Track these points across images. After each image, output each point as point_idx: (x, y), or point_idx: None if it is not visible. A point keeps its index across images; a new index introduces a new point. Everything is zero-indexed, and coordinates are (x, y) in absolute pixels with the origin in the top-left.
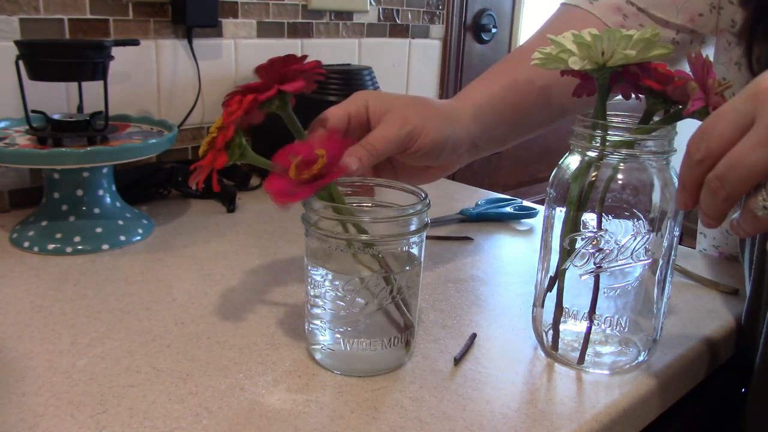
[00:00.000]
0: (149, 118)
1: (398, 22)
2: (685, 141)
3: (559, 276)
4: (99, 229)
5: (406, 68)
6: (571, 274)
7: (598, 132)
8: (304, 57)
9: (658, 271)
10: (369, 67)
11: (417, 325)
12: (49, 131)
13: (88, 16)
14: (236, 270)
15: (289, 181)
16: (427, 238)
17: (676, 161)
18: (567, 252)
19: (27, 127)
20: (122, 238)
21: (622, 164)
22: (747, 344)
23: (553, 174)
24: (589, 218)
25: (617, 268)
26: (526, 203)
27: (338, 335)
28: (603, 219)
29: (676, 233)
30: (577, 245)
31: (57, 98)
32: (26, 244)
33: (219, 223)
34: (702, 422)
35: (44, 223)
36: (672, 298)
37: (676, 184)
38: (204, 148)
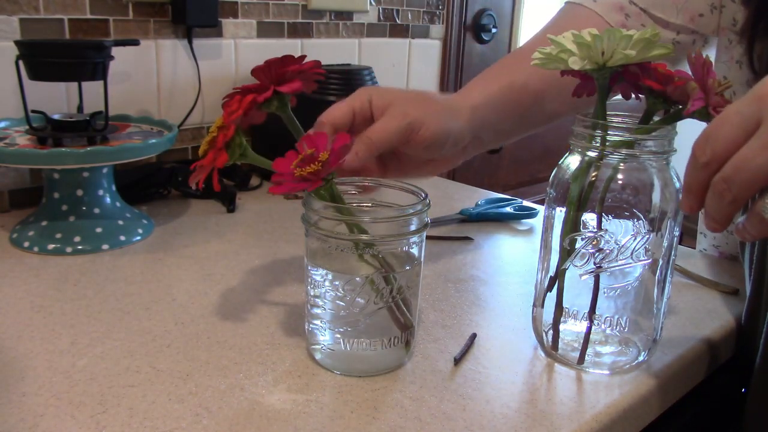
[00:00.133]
0: (149, 118)
1: (398, 22)
2: (685, 141)
3: (559, 276)
4: (99, 229)
5: (406, 68)
6: (571, 274)
7: (598, 132)
8: (303, 57)
9: (658, 271)
10: (369, 67)
11: (417, 325)
12: (49, 131)
13: (88, 16)
14: (236, 270)
15: (292, 173)
16: (427, 238)
17: (676, 161)
18: (567, 252)
19: (27, 127)
20: (122, 238)
21: (622, 164)
22: (747, 344)
23: (553, 174)
24: (589, 218)
25: (617, 268)
26: (526, 203)
27: (338, 335)
28: (603, 219)
29: (676, 233)
30: (577, 245)
31: (57, 98)
32: (26, 244)
33: (219, 223)
34: (702, 422)
35: (44, 223)
36: (672, 298)
37: (677, 185)
38: (204, 147)
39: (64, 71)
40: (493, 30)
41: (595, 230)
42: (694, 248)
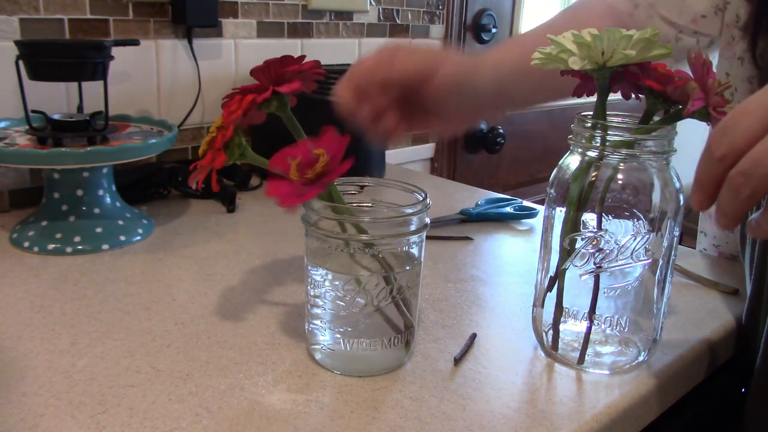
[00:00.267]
0: (149, 118)
1: (398, 22)
2: (686, 141)
3: (559, 276)
4: (99, 229)
5: None
6: (571, 274)
7: (598, 132)
8: (302, 57)
9: (658, 271)
10: None
11: (417, 325)
12: (49, 131)
13: (88, 16)
14: (236, 270)
15: (292, 183)
16: (427, 238)
17: (677, 161)
18: (567, 252)
19: (27, 127)
20: (122, 238)
21: (622, 164)
22: (747, 344)
23: (553, 174)
24: (589, 218)
25: (617, 268)
26: (526, 203)
27: (338, 335)
28: (603, 219)
29: (676, 233)
30: (577, 245)
31: (57, 98)
32: (26, 244)
33: (219, 223)
34: (702, 422)
35: (44, 223)
36: (672, 298)
37: (677, 185)
38: (204, 147)
39: (64, 71)
40: (493, 30)
41: (595, 230)
42: (694, 248)
